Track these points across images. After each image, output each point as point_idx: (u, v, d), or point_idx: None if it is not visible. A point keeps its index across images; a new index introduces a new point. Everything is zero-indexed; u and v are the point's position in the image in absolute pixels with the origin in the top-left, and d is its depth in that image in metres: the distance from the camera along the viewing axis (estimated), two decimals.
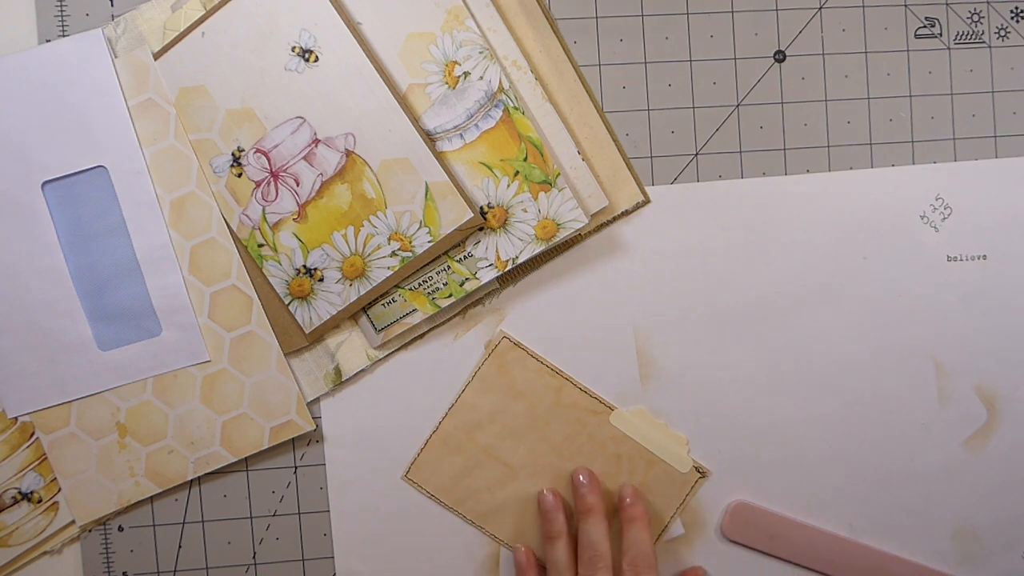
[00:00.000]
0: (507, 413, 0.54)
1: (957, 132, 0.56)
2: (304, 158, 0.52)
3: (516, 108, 0.52)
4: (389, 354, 0.54)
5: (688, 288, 0.55)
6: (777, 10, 0.55)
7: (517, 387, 0.54)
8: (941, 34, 0.56)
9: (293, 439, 0.54)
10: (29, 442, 0.53)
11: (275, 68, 0.51)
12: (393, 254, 0.52)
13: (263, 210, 0.52)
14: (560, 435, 0.55)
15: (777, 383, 0.55)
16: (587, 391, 0.55)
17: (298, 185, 0.52)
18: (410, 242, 0.52)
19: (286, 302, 0.53)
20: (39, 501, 0.53)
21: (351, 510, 0.55)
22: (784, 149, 0.56)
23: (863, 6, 0.56)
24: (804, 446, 0.56)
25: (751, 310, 0.55)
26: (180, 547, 0.54)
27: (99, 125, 0.52)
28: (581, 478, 0.53)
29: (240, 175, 0.52)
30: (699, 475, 0.55)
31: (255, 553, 0.55)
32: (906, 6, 0.56)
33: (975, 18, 0.56)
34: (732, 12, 0.55)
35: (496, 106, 0.52)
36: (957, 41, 0.56)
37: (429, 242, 0.52)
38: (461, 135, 0.52)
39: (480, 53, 0.51)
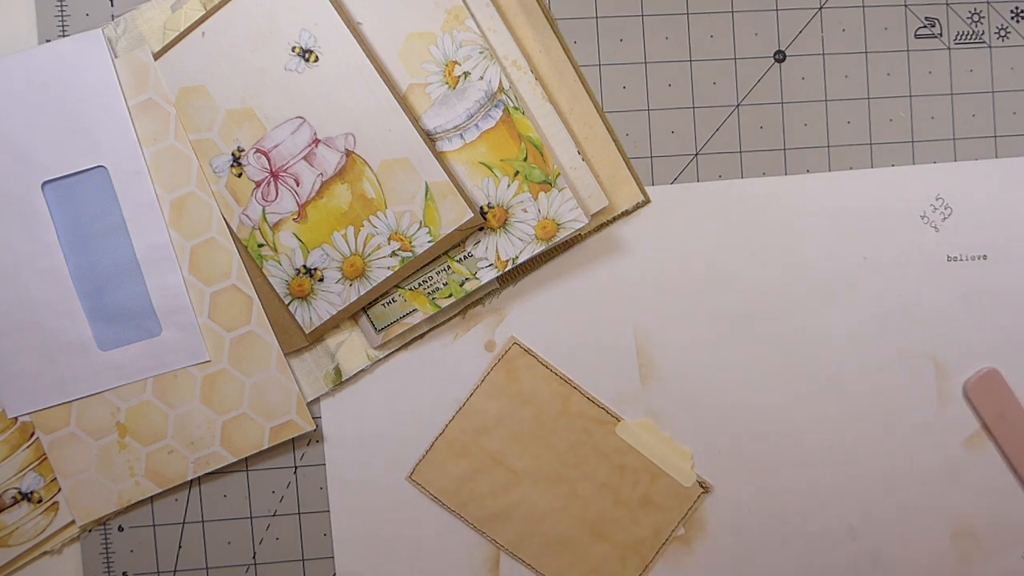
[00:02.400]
0: (514, 419, 0.54)
1: (957, 132, 0.56)
2: (304, 158, 0.52)
3: (516, 108, 0.52)
4: (389, 354, 0.54)
5: (688, 288, 0.55)
6: (777, 10, 0.55)
7: (525, 393, 0.54)
8: (941, 34, 0.56)
9: (293, 439, 0.54)
10: (29, 442, 0.53)
11: (275, 68, 0.51)
12: (393, 254, 0.52)
13: (263, 210, 0.52)
14: (566, 443, 0.55)
15: (777, 383, 0.55)
16: (595, 400, 0.55)
17: (298, 185, 0.52)
18: (410, 242, 0.52)
19: (286, 302, 0.53)
20: (39, 501, 0.53)
21: (351, 510, 0.55)
22: (784, 149, 0.56)
23: (863, 6, 0.56)
24: (804, 446, 0.56)
25: (751, 310, 0.55)
26: (180, 547, 0.54)
27: (99, 125, 0.52)
28: None
29: (240, 175, 0.52)
30: (702, 490, 0.55)
31: (255, 553, 0.55)
32: (906, 6, 0.56)
33: (975, 18, 0.56)
34: (732, 12, 0.55)
35: (496, 106, 0.52)
36: (957, 41, 0.56)
37: (429, 242, 0.52)
38: (461, 135, 0.52)
39: (480, 53, 0.51)
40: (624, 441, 0.55)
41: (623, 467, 0.55)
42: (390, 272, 0.52)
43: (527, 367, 0.54)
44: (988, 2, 0.56)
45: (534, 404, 0.54)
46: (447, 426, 0.54)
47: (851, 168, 0.56)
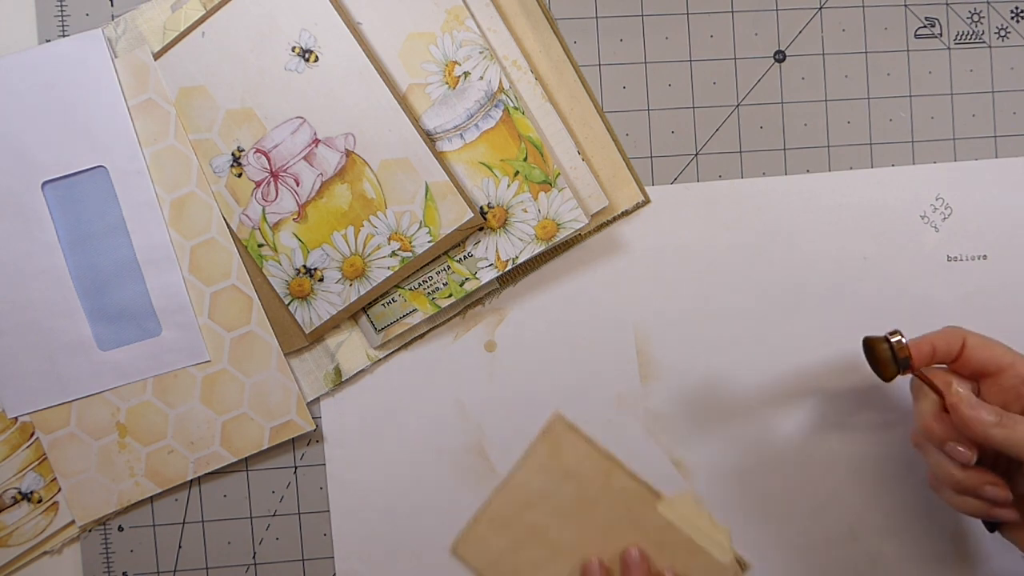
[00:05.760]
0: (557, 494, 0.54)
1: (957, 132, 0.56)
2: (304, 158, 0.52)
3: (516, 108, 0.52)
4: (389, 354, 0.54)
5: (688, 288, 0.55)
6: (777, 10, 0.55)
7: (568, 468, 0.54)
8: (941, 34, 0.56)
9: (293, 439, 0.54)
10: (29, 442, 0.53)
11: (275, 68, 0.51)
12: (393, 254, 0.52)
13: (263, 210, 0.52)
14: (607, 519, 0.54)
15: (777, 383, 0.55)
16: (636, 477, 0.54)
17: (298, 185, 0.52)
18: (410, 242, 0.52)
19: (286, 302, 0.53)
20: (39, 501, 0.53)
21: (351, 510, 0.55)
22: (784, 149, 0.56)
23: (863, 6, 0.56)
24: (803, 446, 0.56)
25: (751, 310, 0.55)
26: (180, 547, 0.54)
27: (99, 125, 0.52)
28: (633, 555, 0.53)
29: (240, 175, 0.52)
30: (739, 567, 0.55)
31: (255, 553, 0.55)
32: (906, 6, 0.56)
33: (975, 18, 0.56)
34: (732, 12, 0.55)
35: (496, 106, 0.52)
36: (957, 41, 0.56)
37: (429, 242, 0.52)
38: (461, 135, 0.52)
39: (480, 53, 0.51)
40: (663, 518, 0.54)
41: (662, 543, 0.54)
42: (390, 272, 0.52)
43: (570, 442, 0.54)
44: (988, 2, 0.56)
45: (576, 479, 0.54)
46: (490, 500, 0.54)
47: (851, 168, 0.56)
